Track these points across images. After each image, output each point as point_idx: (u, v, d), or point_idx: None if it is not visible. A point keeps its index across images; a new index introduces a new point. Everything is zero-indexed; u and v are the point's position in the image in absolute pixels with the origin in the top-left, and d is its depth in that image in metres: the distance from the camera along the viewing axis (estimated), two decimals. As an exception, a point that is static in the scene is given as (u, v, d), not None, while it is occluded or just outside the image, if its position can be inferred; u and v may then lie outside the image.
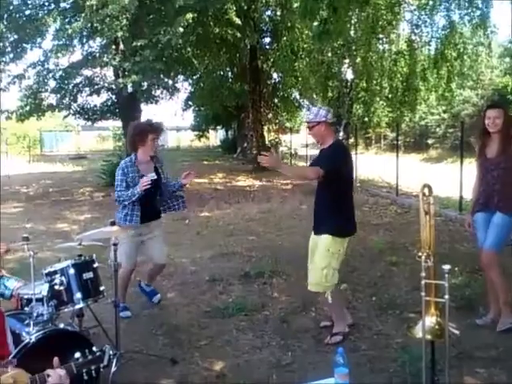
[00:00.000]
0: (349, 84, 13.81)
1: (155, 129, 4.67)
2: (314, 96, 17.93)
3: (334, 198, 4.07)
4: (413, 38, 14.18)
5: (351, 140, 15.52)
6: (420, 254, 2.71)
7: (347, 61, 13.61)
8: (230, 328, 4.49)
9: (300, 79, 17.75)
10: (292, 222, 9.25)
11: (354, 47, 12.74)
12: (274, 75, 21.92)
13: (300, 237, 6.87)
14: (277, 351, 4.01)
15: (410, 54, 14.15)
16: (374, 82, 14.15)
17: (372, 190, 13.32)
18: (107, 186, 14.62)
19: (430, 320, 2.78)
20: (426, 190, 2.77)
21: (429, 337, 2.77)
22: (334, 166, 3.95)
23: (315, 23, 10.17)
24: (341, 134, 13.93)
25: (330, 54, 14.07)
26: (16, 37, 14.21)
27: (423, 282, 2.68)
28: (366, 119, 17.02)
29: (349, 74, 13.82)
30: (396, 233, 8.16)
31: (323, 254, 4.05)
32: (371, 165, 16.86)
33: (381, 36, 13.34)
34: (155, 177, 4.51)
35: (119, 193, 4.51)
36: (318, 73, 14.22)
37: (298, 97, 22.49)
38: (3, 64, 14.72)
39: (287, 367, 3.76)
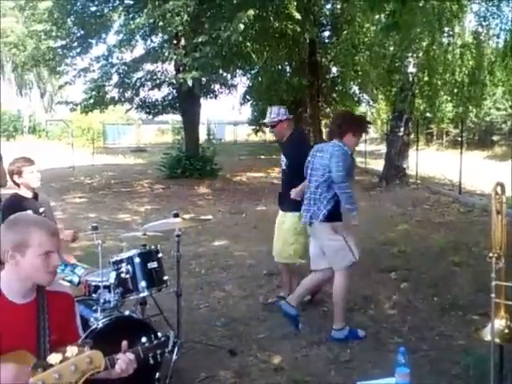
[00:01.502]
0: (411, 78, 13.42)
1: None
2: (374, 90, 17.61)
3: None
4: (480, 30, 13.65)
5: (412, 136, 15.15)
6: (490, 254, 2.62)
7: (410, 54, 13.22)
8: (288, 322, 4.49)
9: (360, 73, 17.45)
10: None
11: (417, 40, 12.35)
12: (333, 69, 21.65)
13: (362, 234, 6.77)
14: (335, 347, 3.99)
15: (476, 47, 13.62)
16: (438, 76, 13.73)
17: (433, 187, 12.98)
18: (167, 179, 14.98)
19: (500, 323, 2.68)
20: (499, 189, 2.67)
21: (497, 340, 2.67)
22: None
23: (382, 16, 9.96)
24: (402, 129, 13.60)
25: (392, 48, 13.74)
26: (82, 32, 14.71)
27: (493, 283, 2.59)
28: (429, 114, 16.54)
29: (411, 68, 13.43)
30: (458, 232, 7.91)
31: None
32: (432, 162, 16.44)
33: (446, 29, 12.90)
34: None
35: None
36: (379, 66, 13.92)
37: (357, 91, 22.12)
38: (70, 58, 15.29)
39: (346, 364, 3.73)
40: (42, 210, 3.96)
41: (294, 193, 4.53)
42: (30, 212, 3.30)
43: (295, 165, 4.63)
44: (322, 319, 4.58)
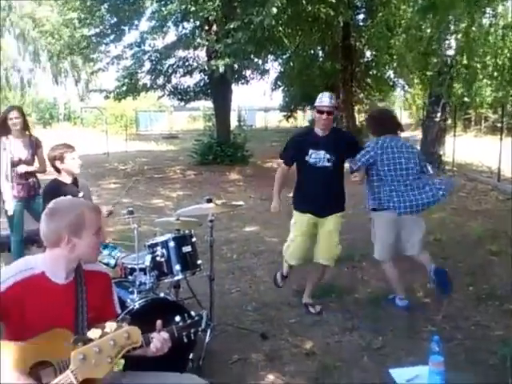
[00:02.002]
0: (449, 61, 13.04)
1: None
2: (410, 75, 17.23)
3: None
4: (524, 10, 13.16)
5: (449, 121, 14.80)
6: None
7: (448, 36, 12.85)
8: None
9: (395, 57, 17.07)
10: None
11: (455, 21, 11.98)
12: (367, 53, 21.25)
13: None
14: (367, 334, 3.97)
15: (520, 28, 13.16)
16: (477, 58, 13.29)
17: (470, 174, 12.69)
18: (198, 165, 15.06)
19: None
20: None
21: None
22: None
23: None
24: (438, 114, 13.28)
25: (428, 30, 13.37)
26: (115, 20, 14.81)
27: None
28: (467, 99, 16.10)
29: (449, 51, 13.05)
30: (496, 220, 7.72)
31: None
32: (470, 148, 16.05)
33: (487, 9, 12.46)
34: None
35: None
36: (416, 50, 13.58)
37: (392, 76, 21.70)
38: (104, 46, 15.44)
39: (378, 351, 3.71)
40: (81, 194, 4.04)
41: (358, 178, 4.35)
42: (69, 197, 3.36)
43: (341, 162, 4.36)
44: (354, 306, 4.56)
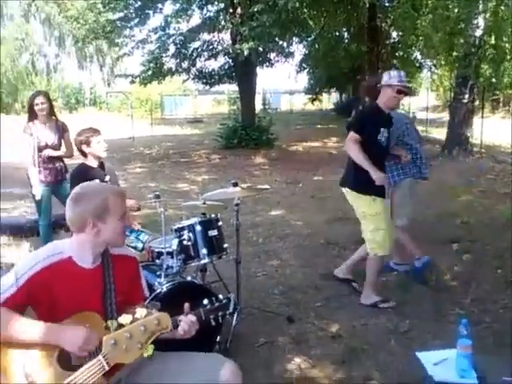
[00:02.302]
0: (477, 41, 12.73)
1: None
2: (437, 56, 16.86)
3: None
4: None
5: (476, 103, 14.49)
6: None
7: (476, 16, 12.51)
8: (346, 291, 4.50)
9: (422, 38, 16.73)
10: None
11: (484, 0, 11.66)
12: (394, 34, 20.88)
13: (423, 205, 6.61)
14: (394, 317, 3.96)
15: (550, 6, 12.76)
16: (506, 38, 12.95)
17: (499, 156, 12.45)
18: (223, 149, 15.09)
19: None
20: None
21: None
22: None
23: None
24: (466, 96, 13.01)
25: (456, 10, 13.05)
26: (139, 3, 14.83)
27: None
28: (495, 80, 15.72)
29: (477, 31, 12.73)
30: (526, 203, 7.58)
31: None
32: (498, 130, 15.72)
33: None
34: None
35: None
36: (443, 30, 13.29)
37: (418, 57, 21.30)
38: (128, 30, 15.49)
39: (405, 334, 3.70)
40: (107, 178, 4.09)
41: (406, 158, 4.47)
42: (96, 181, 3.41)
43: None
44: (381, 289, 4.53)
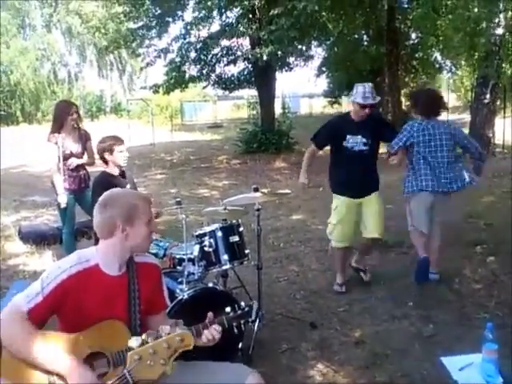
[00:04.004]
0: (498, 41, 12.56)
1: None
2: (458, 56, 16.69)
3: None
4: None
5: (498, 103, 14.29)
6: None
7: (496, 15, 12.35)
8: (368, 296, 4.48)
9: (441, 38, 16.59)
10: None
11: None
12: (413, 35, 20.71)
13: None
14: (417, 322, 3.92)
15: None
16: (528, 37, 12.78)
17: (521, 157, 12.22)
18: (243, 154, 15.11)
19: None
20: None
21: None
22: None
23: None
24: (487, 96, 12.84)
25: (476, 10, 12.90)
26: (160, 11, 14.97)
27: None
28: (516, 79, 15.49)
29: (498, 30, 12.55)
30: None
31: None
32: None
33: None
34: None
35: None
36: (463, 30, 13.15)
37: (438, 58, 21.09)
38: (149, 39, 15.64)
39: (429, 339, 3.66)
40: (128, 186, 4.12)
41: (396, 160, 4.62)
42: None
43: (377, 146, 4.62)
44: (403, 293, 4.50)
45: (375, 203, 4.55)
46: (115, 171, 4.16)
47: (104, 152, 4.10)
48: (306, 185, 4.66)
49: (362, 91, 4.32)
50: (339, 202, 4.57)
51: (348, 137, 4.43)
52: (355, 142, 4.43)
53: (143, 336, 1.90)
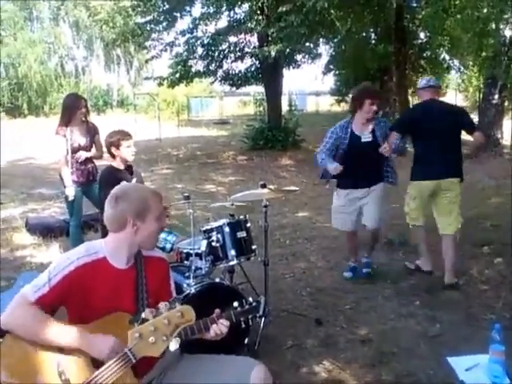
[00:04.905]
0: (507, 41, 12.49)
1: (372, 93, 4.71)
2: (466, 56, 16.62)
3: None
4: None
5: (506, 103, 14.23)
6: None
7: (506, 15, 12.27)
8: (374, 294, 4.46)
9: (450, 38, 16.53)
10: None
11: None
12: (421, 35, 20.65)
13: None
14: (424, 321, 3.91)
15: None
16: (537, 38, 12.71)
17: (530, 158, 12.18)
18: (250, 150, 15.10)
19: None
20: None
21: None
22: None
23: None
24: (495, 96, 12.78)
25: (485, 10, 12.82)
26: (167, 6, 14.96)
27: None
28: (525, 80, 15.41)
29: (507, 30, 12.49)
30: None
31: None
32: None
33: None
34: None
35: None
36: (472, 30, 13.08)
37: (446, 57, 21.01)
38: (157, 33, 15.64)
39: (436, 338, 3.64)
40: (134, 181, 4.13)
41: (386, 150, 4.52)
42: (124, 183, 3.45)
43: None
44: (410, 292, 4.49)
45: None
46: (121, 165, 4.17)
47: (111, 146, 4.12)
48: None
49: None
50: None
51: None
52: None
53: (143, 314, 1.90)
